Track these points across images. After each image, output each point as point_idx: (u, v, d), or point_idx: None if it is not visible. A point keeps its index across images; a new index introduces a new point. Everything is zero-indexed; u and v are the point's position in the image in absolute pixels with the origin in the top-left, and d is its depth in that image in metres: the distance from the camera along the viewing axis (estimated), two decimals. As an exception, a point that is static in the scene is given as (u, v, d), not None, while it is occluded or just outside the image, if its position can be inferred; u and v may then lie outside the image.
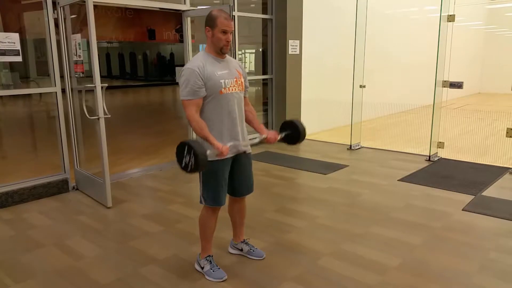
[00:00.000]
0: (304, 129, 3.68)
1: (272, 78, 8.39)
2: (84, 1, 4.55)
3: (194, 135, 3.32)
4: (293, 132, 3.72)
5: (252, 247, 3.85)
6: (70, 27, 5.39)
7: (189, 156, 2.97)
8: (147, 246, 4.00)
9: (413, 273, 3.54)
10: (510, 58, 17.32)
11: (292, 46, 8.18)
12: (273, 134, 3.58)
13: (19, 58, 4.84)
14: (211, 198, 3.44)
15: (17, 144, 6.59)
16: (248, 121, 3.65)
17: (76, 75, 5.47)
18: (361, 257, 3.79)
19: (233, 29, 3.37)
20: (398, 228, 4.25)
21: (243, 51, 8.65)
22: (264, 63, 8.50)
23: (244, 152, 3.55)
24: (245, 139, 3.55)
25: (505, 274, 3.52)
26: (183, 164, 3.03)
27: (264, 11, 8.27)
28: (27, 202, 5.09)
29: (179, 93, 3.27)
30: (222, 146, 3.20)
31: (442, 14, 6.46)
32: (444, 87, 6.66)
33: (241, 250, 3.87)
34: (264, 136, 3.55)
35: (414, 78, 12.63)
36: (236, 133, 3.46)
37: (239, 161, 3.54)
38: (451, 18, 6.49)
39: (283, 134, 3.69)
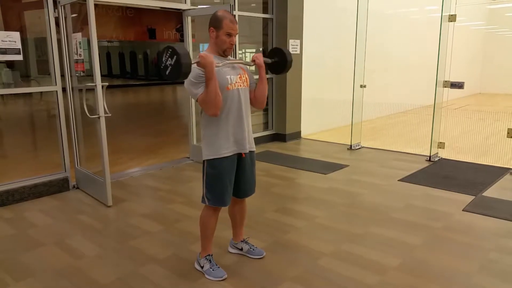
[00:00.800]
0: (291, 58, 3.68)
1: (272, 78, 8.38)
2: (85, 0, 4.55)
3: (195, 139, 3.32)
4: (280, 60, 3.71)
5: (252, 246, 3.87)
6: (71, 26, 5.38)
7: (172, 58, 2.93)
8: (147, 246, 4.00)
9: (413, 273, 3.54)
10: (511, 58, 17.31)
11: (293, 46, 8.17)
12: (254, 55, 3.56)
13: (20, 57, 4.84)
14: (215, 198, 3.44)
15: (18, 143, 6.59)
16: (256, 92, 3.62)
17: (77, 74, 5.47)
18: (361, 257, 3.79)
19: (237, 32, 3.38)
20: (398, 228, 4.25)
21: (243, 50, 8.63)
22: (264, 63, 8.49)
23: (249, 151, 3.55)
24: (250, 137, 3.55)
25: (505, 274, 3.52)
26: (165, 65, 2.97)
27: (265, 11, 8.25)
28: (28, 200, 5.10)
29: (191, 94, 3.26)
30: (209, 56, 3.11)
31: (443, 14, 6.45)
32: (445, 87, 6.66)
33: (241, 249, 3.88)
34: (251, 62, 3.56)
35: (415, 78, 12.63)
36: (242, 130, 3.46)
37: (244, 161, 3.54)
38: (452, 18, 6.48)
39: (270, 60, 3.69)
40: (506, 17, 17.12)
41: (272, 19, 8.23)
